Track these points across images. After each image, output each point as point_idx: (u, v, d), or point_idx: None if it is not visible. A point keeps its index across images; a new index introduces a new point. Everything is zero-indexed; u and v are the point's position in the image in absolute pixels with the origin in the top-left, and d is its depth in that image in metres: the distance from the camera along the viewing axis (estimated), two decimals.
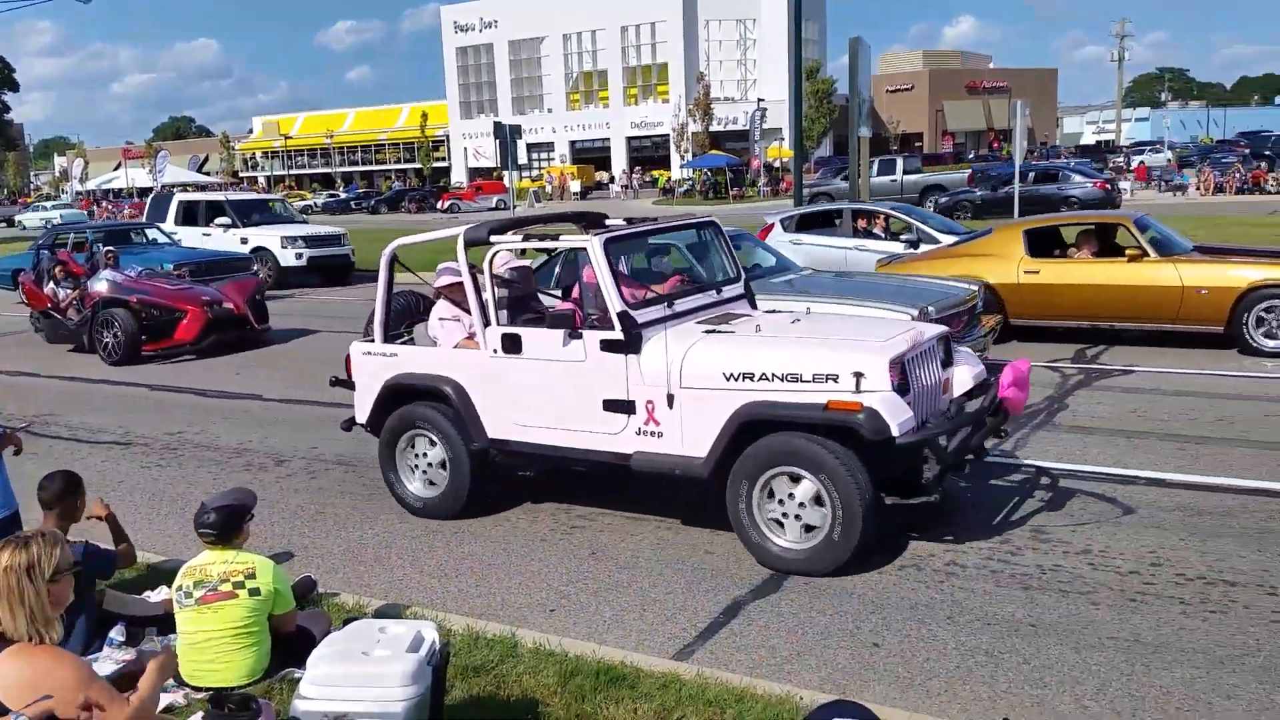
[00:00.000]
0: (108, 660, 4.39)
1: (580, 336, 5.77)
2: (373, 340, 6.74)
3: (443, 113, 78.82)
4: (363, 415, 6.79)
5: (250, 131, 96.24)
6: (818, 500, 5.21)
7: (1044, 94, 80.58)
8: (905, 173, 36.61)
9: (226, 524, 4.33)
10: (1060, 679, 4.24)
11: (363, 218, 54.84)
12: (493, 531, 6.35)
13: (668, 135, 66.45)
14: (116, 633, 4.57)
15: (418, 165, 79.46)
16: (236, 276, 16.09)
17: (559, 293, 7.58)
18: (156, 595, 5.05)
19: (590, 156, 70.26)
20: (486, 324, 6.17)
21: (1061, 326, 11.30)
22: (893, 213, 15.02)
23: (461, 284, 6.34)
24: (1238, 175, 34.61)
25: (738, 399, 5.36)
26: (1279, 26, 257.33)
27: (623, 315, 5.62)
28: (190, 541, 5.13)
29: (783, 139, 59.30)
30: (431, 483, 6.54)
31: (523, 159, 52.72)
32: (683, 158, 62.30)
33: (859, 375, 5.11)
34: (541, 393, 5.97)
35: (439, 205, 56.89)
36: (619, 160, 70.23)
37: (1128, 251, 10.72)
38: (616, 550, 5.94)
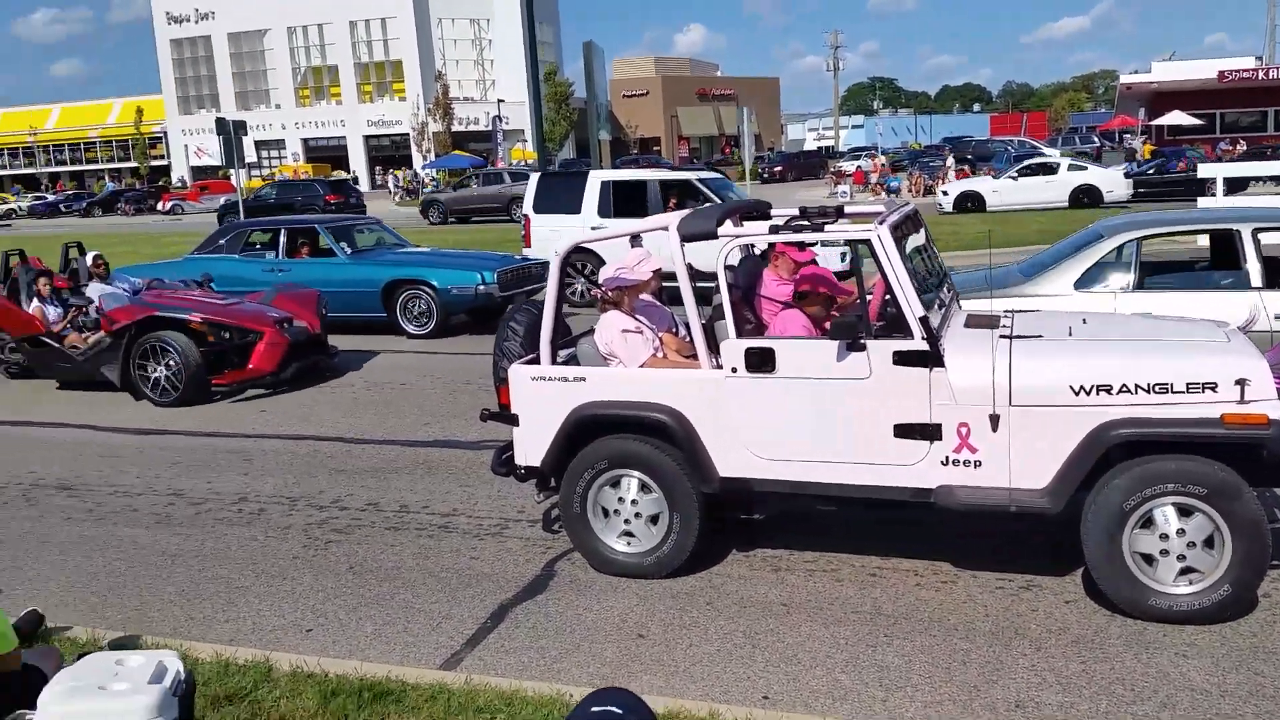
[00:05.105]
0: None
1: (863, 348, 4.78)
2: (534, 361, 5.51)
3: (159, 108, 73.68)
4: (535, 456, 5.41)
5: None
6: (1209, 543, 4.45)
7: (768, 102, 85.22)
8: None
9: None
10: (812, 654, 4.49)
11: (73, 221, 50.46)
12: (238, 553, 5.99)
13: (408, 134, 65.14)
14: None
15: (134, 164, 73.99)
16: (292, 289, 11.35)
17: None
18: None
19: (326, 155, 67.69)
20: (713, 337, 5.23)
21: None
22: None
23: (635, 285, 5.59)
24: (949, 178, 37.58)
25: (1095, 416, 4.55)
26: (977, 39, 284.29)
27: (924, 321, 4.72)
28: None
29: (526, 141, 59.52)
30: (631, 535, 5.32)
31: (251, 156, 49.99)
32: (424, 158, 61.29)
33: (1243, 383, 4.41)
34: (801, 419, 4.95)
35: (159, 206, 53.19)
36: (357, 159, 68.11)
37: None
38: (376, 562, 5.76)
